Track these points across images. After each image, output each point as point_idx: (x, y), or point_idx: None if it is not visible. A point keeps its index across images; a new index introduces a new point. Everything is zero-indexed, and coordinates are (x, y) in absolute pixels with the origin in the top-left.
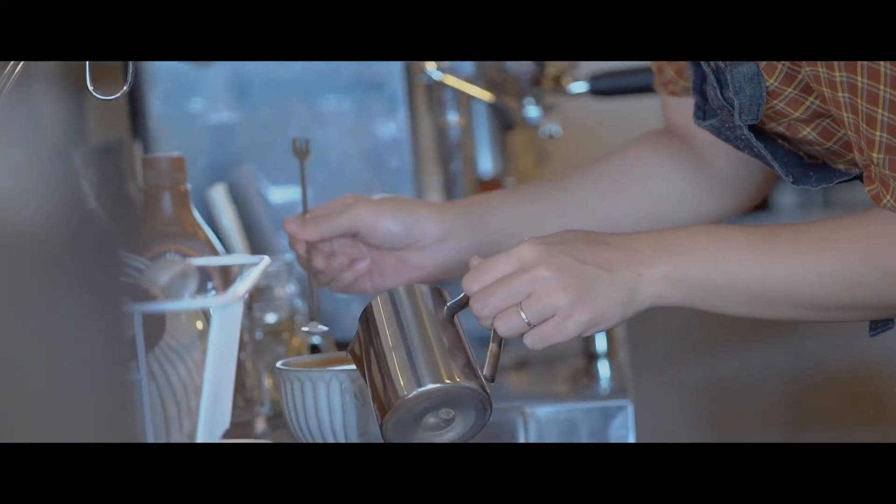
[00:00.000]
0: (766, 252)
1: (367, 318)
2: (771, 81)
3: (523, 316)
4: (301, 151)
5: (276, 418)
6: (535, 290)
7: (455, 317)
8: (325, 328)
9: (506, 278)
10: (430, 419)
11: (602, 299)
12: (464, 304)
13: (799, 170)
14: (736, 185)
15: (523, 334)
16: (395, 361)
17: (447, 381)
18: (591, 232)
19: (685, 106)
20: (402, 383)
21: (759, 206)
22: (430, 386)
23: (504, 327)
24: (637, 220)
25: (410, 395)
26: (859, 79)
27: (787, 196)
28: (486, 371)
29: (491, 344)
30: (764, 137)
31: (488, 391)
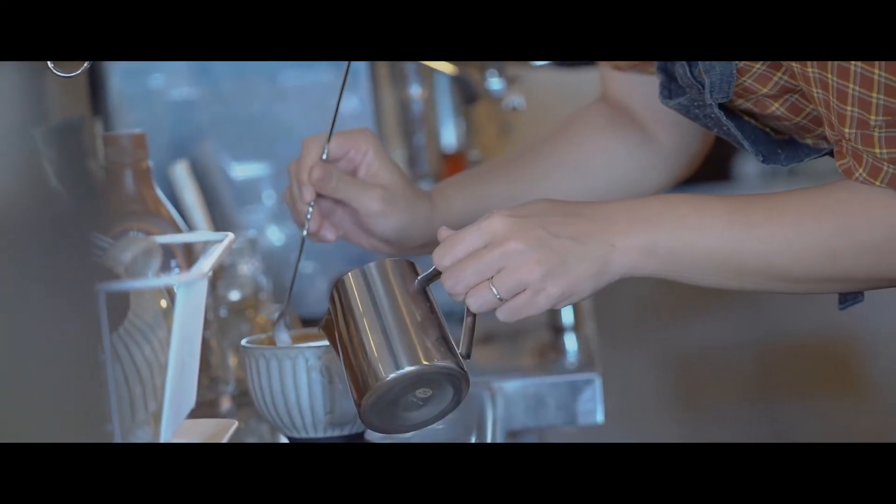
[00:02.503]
0: (743, 223)
1: (339, 294)
2: None
3: (494, 291)
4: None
5: (242, 397)
6: (507, 264)
7: (427, 289)
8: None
9: (477, 253)
10: (408, 398)
11: (574, 272)
12: (435, 276)
13: (767, 147)
14: (679, 157)
15: (496, 309)
16: (371, 343)
17: (425, 362)
18: (564, 202)
19: (628, 81)
20: (380, 366)
21: (722, 177)
22: (409, 368)
23: (476, 303)
24: (581, 196)
25: (389, 378)
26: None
27: (750, 166)
28: (461, 348)
29: (465, 319)
30: (731, 115)
31: (465, 369)
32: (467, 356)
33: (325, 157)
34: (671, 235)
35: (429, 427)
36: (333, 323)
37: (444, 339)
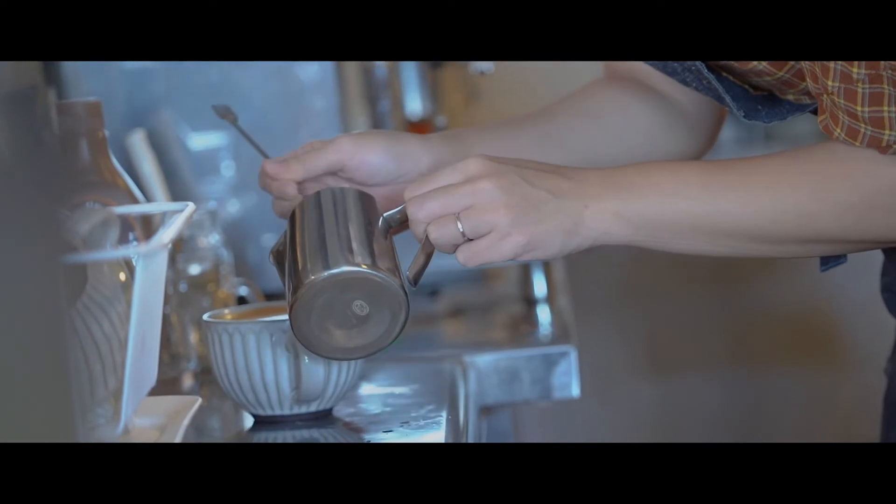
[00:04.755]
0: (717, 186)
1: (293, 218)
2: None
3: (459, 226)
4: (226, 115)
5: (204, 374)
6: (476, 202)
7: (389, 235)
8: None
9: (448, 187)
10: (342, 312)
11: (544, 223)
12: (402, 218)
13: (747, 103)
14: (698, 125)
15: (456, 248)
16: (306, 250)
17: (362, 266)
18: (544, 162)
19: None
20: (309, 267)
21: None
22: (344, 268)
23: (437, 233)
24: (609, 158)
25: (319, 278)
26: None
27: (727, 131)
28: (409, 272)
29: (419, 251)
30: (710, 69)
31: (406, 291)
32: (413, 283)
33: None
34: (644, 200)
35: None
36: (283, 247)
37: (390, 266)
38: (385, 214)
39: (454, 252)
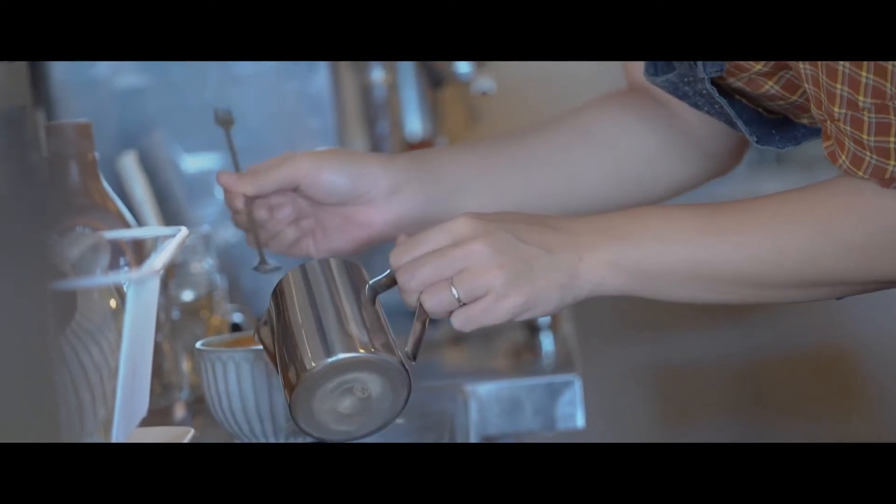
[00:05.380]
0: (713, 230)
1: (277, 295)
2: None
3: (454, 292)
4: (225, 121)
5: (197, 403)
6: (469, 265)
7: (377, 300)
8: (277, 265)
9: (438, 251)
10: (344, 400)
11: (540, 281)
12: (389, 283)
13: (761, 127)
14: (708, 147)
15: (451, 313)
16: (303, 334)
17: (361, 350)
18: (532, 214)
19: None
20: (310, 356)
21: None
22: (342, 356)
23: (432, 302)
24: (599, 180)
25: (318, 367)
26: None
27: None
28: (407, 348)
29: (415, 321)
30: (723, 93)
31: (408, 368)
32: (412, 358)
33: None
34: (638, 247)
35: (393, 427)
36: (269, 326)
37: (386, 341)
38: (371, 282)
39: (448, 317)
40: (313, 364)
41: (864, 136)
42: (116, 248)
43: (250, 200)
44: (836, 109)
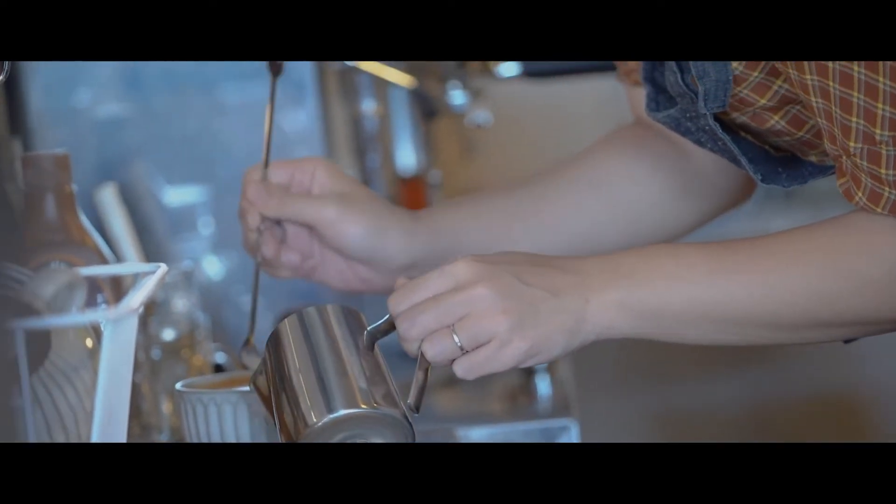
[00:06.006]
0: (724, 269)
1: (274, 344)
2: (735, 65)
3: (456, 339)
4: (276, 70)
5: None
6: (472, 310)
7: (375, 346)
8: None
9: (439, 296)
10: None
11: (545, 325)
12: (387, 329)
13: (766, 166)
14: (718, 183)
15: (453, 361)
16: (303, 387)
17: (363, 406)
18: (535, 254)
19: None
20: (310, 410)
21: None
22: (343, 412)
23: (433, 350)
24: (613, 235)
25: (320, 423)
26: (830, 62)
27: None
28: (410, 399)
29: (416, 370)
30: (727, 129)
31: (411, 420)
32: (415, 410)
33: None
34: (648, 288)
35: None
36: (266, 374)
37: (388, 392)
38: (369, 329)
39: (450, 365)
40: (314, 420)
41: (882, 171)
42: (93, 285)
43: (265, 220)
44: (852, 144)
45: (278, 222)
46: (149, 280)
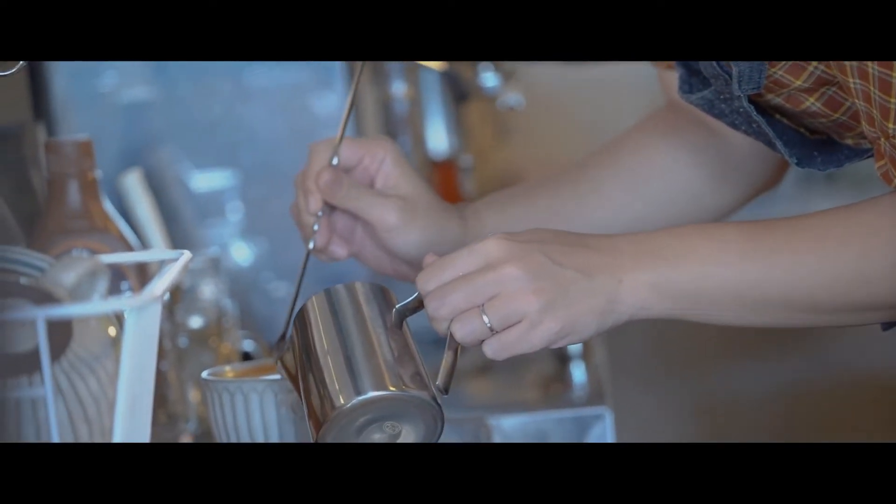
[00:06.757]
0: (760, 251)
1: (301, 321)
2: None
3: (486, 319)
4: None
5: (204, 436)
6: (502, 290)
7: (404, 323)
8: None
9: (468, 276)
10: (374, 435)
11: (576, 306)
12: (416, 307)
13: (802, 148)
14: (752, 167)
15: (483, 341)
16: (331, 368)
17: (392, 388)
18: (568, 232)
19: None
20: (338, 392)
21: None
22: (371, 394)
23: (462, 331)
24: (649, 224)
25: (348, 405)
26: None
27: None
28: (439, 381)
29: (446, 351)
30: (761, 111)
31: (439, 402)
32: (445, 391)
33: (335, 163)
34: (682, 270)
35: None
36: (293, 353)
37: (417, 372)
38: (397, 307)
39: (480, 345)
40: (342, 401)
41: None
42: (118, 273)
43: (326, 208)
44: (891, 126)
45: (333, 208)
46: (171, 267)
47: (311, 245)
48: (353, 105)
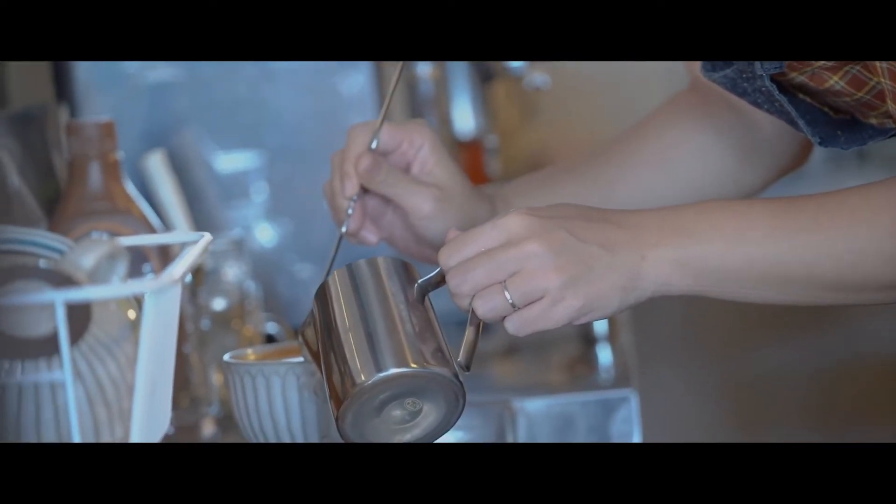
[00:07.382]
0: (786, 229)
1: (323, 296)
2: None
3: (507, 296)
4: None
5: (226, 420)
6: (524, 267)
7: (426, 298)
8: None
9: (490, 252)
10: (394, 412)
11: (599, 283)
12: (438, 282)
13: (825, 128)
14: (778, 146)
15: (505, 318)
16: (352, 344)
17: (413, 365)
18: (591, 207)
19: None
20: (359, 368)
21: None
22: (393, 371)
23: (484, 307)
24: (674, 203)
25: (369, 382)
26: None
27: (816, 150)
28: (460, 358)
29: (468, 327)
30: (784, 90)
31: (461, 379)
32: (466, 368)
33: (374, 146)
34: (706, 246)
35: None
36: (314, 328)
37: (439, 348)
38: (419, 282)
39: (501, 321)
40: (363, 378)
41: None
42: (140, 255)
43: (360, 191)
44: None
45: (366, 191)
46: (191, 249)
47: (343, 229)
48: (395, 89)
